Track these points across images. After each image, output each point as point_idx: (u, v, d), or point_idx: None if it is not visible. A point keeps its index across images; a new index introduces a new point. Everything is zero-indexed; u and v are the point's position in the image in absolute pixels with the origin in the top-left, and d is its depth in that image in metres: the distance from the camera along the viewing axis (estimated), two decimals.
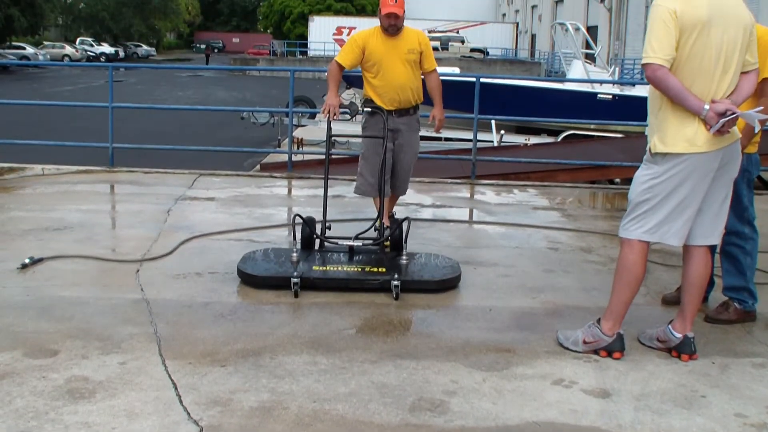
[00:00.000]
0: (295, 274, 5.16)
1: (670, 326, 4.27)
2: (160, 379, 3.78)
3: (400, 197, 6.91)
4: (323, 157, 6.53)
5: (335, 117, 5.99)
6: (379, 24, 6.25)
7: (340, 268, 5.48)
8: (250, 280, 5.31)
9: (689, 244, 4.19)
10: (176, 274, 5.51)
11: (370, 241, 5.89)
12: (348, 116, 6.44)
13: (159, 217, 7.21)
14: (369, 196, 6.49)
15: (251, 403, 3.58)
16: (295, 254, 5.52)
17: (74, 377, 3.78)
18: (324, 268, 5.45)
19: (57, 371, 3.84)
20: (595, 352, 4.22)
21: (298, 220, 5.71)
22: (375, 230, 6.03)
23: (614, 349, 4.20)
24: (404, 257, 5.59)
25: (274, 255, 5.71)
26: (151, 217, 7.19)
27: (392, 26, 6.18)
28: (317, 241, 5.85)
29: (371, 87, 6.30)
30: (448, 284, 5.38)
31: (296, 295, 5.09)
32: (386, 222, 6.21)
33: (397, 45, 6.23)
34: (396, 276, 5.19)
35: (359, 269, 5.48)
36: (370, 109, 6.28)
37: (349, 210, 7.54)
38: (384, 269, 5.42)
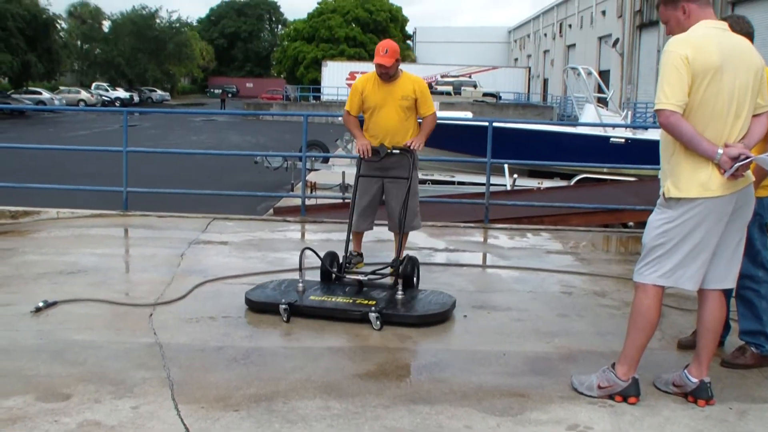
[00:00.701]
0: (284, 300, 5.55)
1: (686, 371, 4.23)
2: (173, 424, 3.77)
3: (411, 240, 6.96)
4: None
5: (369, 156, 6.48)
6: (377, 71, 6.57)
7: (334, 299, 5.74)
8: (249, 304, 5.76)
9: (704, 288, 4.17)
10: (189, 318, 5.51)
11: (380, 277, 6.14)
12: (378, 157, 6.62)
13: (172, 261, 7.22)
14: (357, 230, 6.85)
15: None
16: (301, 284, 5.88)
17: (86, 422, 3.76)
18: (321, 298, 5.78)
19: (69, 415, 3.83)
20: (610, 397, 4.19)
21: (311, 253, 6.14)
22: (389, 267, 6.30)
23: (629, 394, 4.16)
24: (402, 293, 5.78)
25: (285, 285, 6.04)
26: (164, 261, 7.20)
27: (384, 74, 6.53)
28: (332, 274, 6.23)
29: (365, 128, 6.75)
30: (430, 319, 5.52)
31: (287, 321, 5.48)
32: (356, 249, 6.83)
33: (391, 91, 6.57)
34: (375, 308, 5.42)
35: (350, 300, 5.72)
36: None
37: (365, 250, 7.52)
38: (374, 302, 5.61)
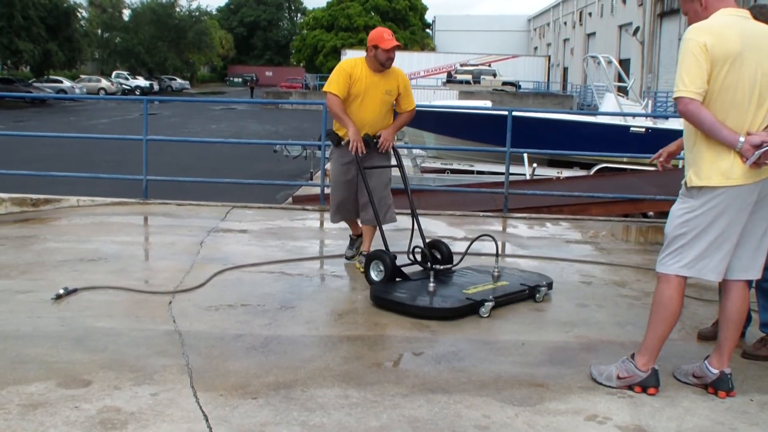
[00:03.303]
0: (490, 297, 5.50)
1: (706, 362, 4.21)
2: (192, 411, 3.78)
3: (431, 229, 6.94)
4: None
5: (363, 152, 6.20)
6: (372, 58, 6.32)
7: (486, 287, 5.78)
8: (432, 313, 5.39)
9: (727, 278, 4.14)
10: (209, 306, 5.53)
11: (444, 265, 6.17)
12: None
13: (192, 249, 7.25)
14: (334, 223, 6.89)
15: None
16: (432, 285, 5.66)
17: (106, 408, 3.79)
18: (479, 289, 5.70)
19: (90, 402, 3.85)
20: (630, 387, 4.17)
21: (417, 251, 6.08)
22: (413, 254, 6.15)
23: (649, 384, 4.14)
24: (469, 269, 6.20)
25: (409, 288, 5.77)
26: (184, 249, 7.23)
27: (389, 60, 6.32)
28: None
29: None
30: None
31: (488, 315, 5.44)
32: (366, 250, 6.62)
33: (378, 83, 6.35)
34: (528, 285, 5.87)
35: (501, 284, 5.88)
36: (339, 140, 6.47)
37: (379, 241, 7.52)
38: (506, 282, 5.94)
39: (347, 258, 6.91)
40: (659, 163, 4.94)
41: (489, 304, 5.41)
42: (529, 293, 5.83)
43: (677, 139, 4.74)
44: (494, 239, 6.26)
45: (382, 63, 6.31)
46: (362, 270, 6.31)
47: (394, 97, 6.48)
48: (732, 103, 3.88)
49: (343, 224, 7.12)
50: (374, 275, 6.03)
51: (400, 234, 7.14)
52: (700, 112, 3.85)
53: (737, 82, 3.86)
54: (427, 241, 6.26)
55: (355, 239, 6.92)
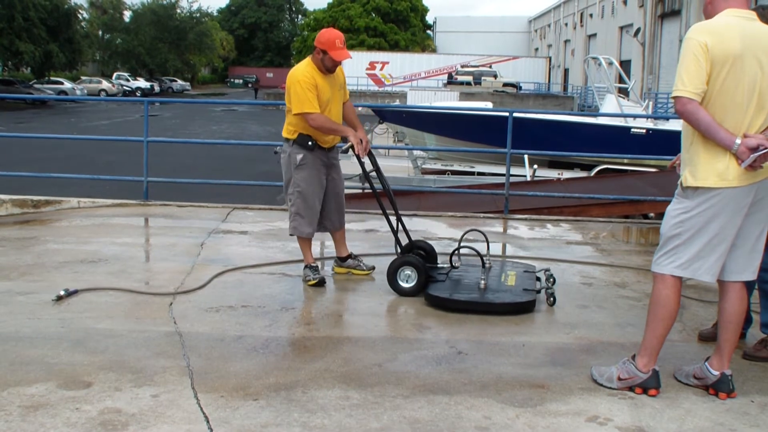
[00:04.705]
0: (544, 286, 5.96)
1: (707, 363, 4.21)
2: (192, 413, 3.78)
3: (431, 231, 6.94)
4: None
5: (365, 154, 6.14)
6: (319, 61, 6.10)
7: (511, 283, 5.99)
8: (495, 308, 5.58)
9: (724, 279, 4.14)
10: (209, 308, 5.53)
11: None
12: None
13: (192, 250, 7.25)
14: (308, 237, 6.37)
15: None
16: (483, 281, 5.82)
17: (107, 409, 3.79)
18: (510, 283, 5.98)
19: (90, 403, 3.85)
20: (630, 389, 4.17)
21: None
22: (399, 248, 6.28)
23: (650, 386, 4.14)
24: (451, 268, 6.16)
25: (456, 286, 5.89)
26: (184, 251, 7.23)
27: (335, 68, 6.17)
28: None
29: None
30: None
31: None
32: (342, 253, 6.56)
33: (333, 84, 6.24)
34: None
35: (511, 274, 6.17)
36: (311, 144, 6.22)
37: (381, 244, 7.53)
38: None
39: (314, 280, 6.26)
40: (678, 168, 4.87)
41: (550, 291, 5.86)
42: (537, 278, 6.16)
43: None
44: (482, 233, 6.47)
45: (328, 69, 6.11)
46: (364, 273, 6.35)
47: (344, 89, 6.42)
48: (731, 104, 3.87)
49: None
50: (403, 282, 5.96)
51: (371, 235, 7.14)
52: (698, 112, 3.85)
53: (737, 83, 3.86)
54: (412, 240, 6.36)
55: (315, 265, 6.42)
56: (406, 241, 6.33)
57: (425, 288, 5.84)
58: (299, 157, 6.21)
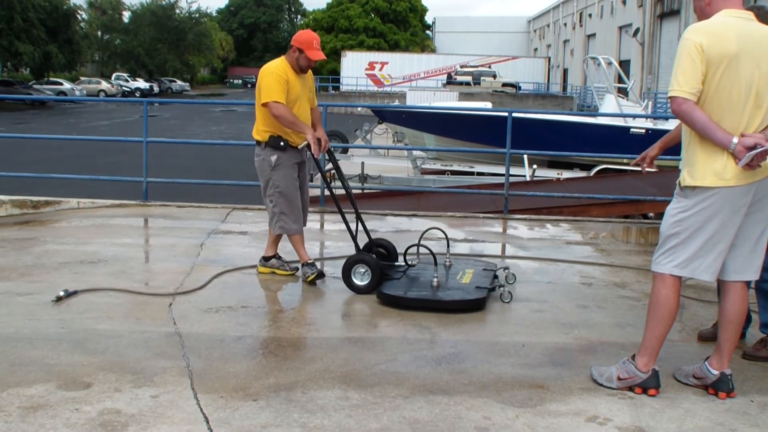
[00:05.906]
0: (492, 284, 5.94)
1: (706, 363, 4.21)
2: (192, 413, 3.78)
3: (431, 231, 6.95)
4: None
5: (318, 154, 6.22)
6: (294, 60, 6.22)
7: (468, 281, 6.02)
8: (450, 305, 5.61)
9: (724, 279, 4.14)
10: (209, 308, 5.53)
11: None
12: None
13: (192, 251, 7.25)
14: (297, 233, 6.47)
15: None
16: (435, 279, 5.87)
17: (107, 410, 3.79)
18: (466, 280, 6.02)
19: (90, 404, 3.85)
20: (630, 388, 4.17)
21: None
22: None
23: (649, 385, 4.14)
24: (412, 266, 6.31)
25: (410, 283, 5.97)
26: (184, 251, 7.23)
27: (309, 68, 6.29)
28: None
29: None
30: None
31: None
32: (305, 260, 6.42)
33: (304, 84, 6.36)
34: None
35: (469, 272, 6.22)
36: (282, 144, 6.32)
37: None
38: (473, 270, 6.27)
39: (313, 275, 6.32)
40: (642, 168, 4.97)
41: (505, 289, 5.84)
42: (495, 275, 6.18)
43: (658, 141, 4.79)
44: (443, 231, 6.67)
45: (302, 68, 6.24)
46: (308, 280, 6.25)
47: (312, 93, 6.53)
48: (727, 104, 3.88)
49: (343, 226, 7.06)
50: (357, 280, 6.02)
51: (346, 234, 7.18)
52: (693, 112, 3.85)
53: (733, 83, 3.86)
54: (373, 239, 6.50)
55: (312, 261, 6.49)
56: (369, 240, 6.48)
57: (380, 286, 5.88)
58: (274, 158, 6.35)
